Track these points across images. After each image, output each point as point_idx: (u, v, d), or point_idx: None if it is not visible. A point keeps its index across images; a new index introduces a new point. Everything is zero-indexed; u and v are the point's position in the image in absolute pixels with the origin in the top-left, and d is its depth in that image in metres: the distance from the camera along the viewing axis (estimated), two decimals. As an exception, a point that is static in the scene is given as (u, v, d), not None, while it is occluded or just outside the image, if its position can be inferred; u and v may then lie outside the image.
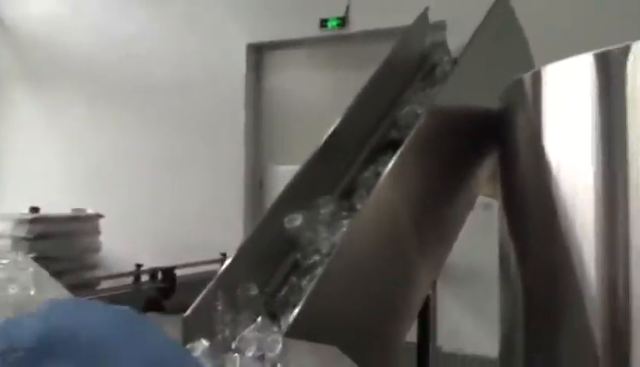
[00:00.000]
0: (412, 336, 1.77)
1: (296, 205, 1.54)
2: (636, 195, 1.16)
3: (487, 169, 1.70)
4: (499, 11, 1.78)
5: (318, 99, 5.46)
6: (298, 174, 1.61)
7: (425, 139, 1.50)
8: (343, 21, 5.24)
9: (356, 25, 5.20)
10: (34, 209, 4.95)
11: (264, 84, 5.74)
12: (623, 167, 1.17)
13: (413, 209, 1.48)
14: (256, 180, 5.65)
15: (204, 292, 1.36)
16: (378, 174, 1.50)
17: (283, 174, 5.51)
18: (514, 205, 1.50)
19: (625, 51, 1.14)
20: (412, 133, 1.48)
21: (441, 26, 2.06)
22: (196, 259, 3.87)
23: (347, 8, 5.18)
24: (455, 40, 2.10)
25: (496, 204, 1.65)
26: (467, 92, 1.65)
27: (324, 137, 1.71)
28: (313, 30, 5.32)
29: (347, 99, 5.73)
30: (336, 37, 5.27)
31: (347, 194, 1.64)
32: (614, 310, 1.18)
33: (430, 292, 1.67)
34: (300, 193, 1.56)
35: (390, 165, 1.41)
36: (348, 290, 1.28)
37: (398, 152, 1.44)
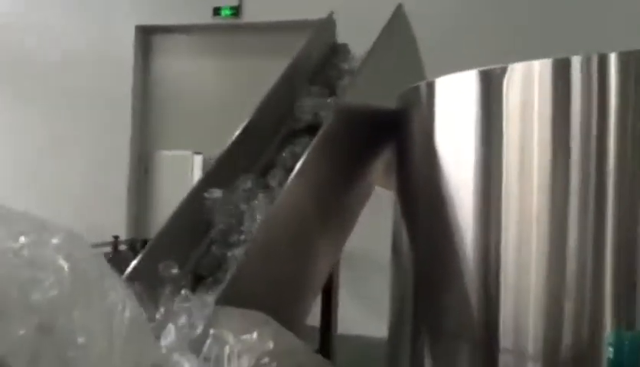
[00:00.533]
0: (314, 320, 1.96)
1: (217, 185, 1.67)
2: (506, 190, 1.42)
3: (382, 162, 1.92)
4: (397, 20, 2.01)
5: (207, 87, 5.51)
6: (219, 158, 1.73)
7: (331, 136, 1.68)
8: (236, 11, 5.32)
9: (249, 16, 5.30)
10: None
11: (153, 68, 5.69)
12: (497, 167, 1.42)
13: (318, 199, 1.67)
14: (141, 165, 5.60)
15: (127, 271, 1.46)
16: (294, 154, 1.66)
17: (169, 160, 5.51)
18: (407, 194, 1.73)
19: (503, 71, 1.39)
20: (320, 131, 1.66)
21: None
22: (83, 242, 3.82)
23: (241, -1, 5.27)
24: (355, 39, 2.30)
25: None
26: (368, 93, 1.86)
27: (243, 123, 1.85)
28: (206, 18, 5.35)
29: (237, 88, 5.88)
30: (229, 26, 5.34)
31: (264, 173, 1.79)
32: (486, 284, 1.43)
33: (334, 275, 1.87)
34: (221, 173, 1.69)
35: (300, 161, 1.59)
36: (264, 268, 1.44)
37: (308, 149, 1.61)
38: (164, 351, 0.80)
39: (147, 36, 5.63)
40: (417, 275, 1.63)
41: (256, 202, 1.63)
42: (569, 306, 1.30)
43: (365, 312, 3.98)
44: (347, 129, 1.75)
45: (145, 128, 5.62)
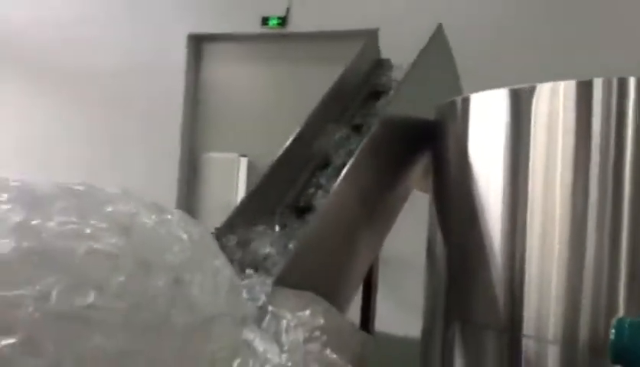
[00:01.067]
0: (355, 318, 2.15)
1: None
2: (532, 199, 1.60)
3: (420, 168, 2.11)
4: (437, 40, 2.20)
5: (254, 93, 5.77)
6: (278, 159, 1.96)
7: (375, 143, 1.88)
8: (283, 21, 5.56)
9: (295, 26, 5.54)
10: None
11: (203, 74, 5.98)
12: (525, 179, 1.60)
13: (364, 198, 1.87)
14: (190, 167, 5.89)
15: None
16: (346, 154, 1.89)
17: (216, 162, 5.78)
18: (442, 198, 1.92)
19: (532, 90, 1.58)
20: (365, 138, 1.87)
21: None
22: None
23: (288, 9, 5.51)
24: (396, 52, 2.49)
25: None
26: (409, 105, 2.06)
27: (296, 131, 2.06)
28: (254, 27, 5.60)
29: (282, 95, 6.15)
30: (276, 35, 5.59)
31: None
32: (512, 279, 1.61)
33: (374, 269, 2.07)
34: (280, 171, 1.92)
35: (347, 164, 1.79)
36: (315, 257, 1.65)
37: (355, 153, 1.82)
38: (251, 307, 1.01)
39: (198, 44, 5.92)
40: (449, 273, 1.82)
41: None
42: (585, 298, 1.48)
43: (401, 312, 4.15)
44: (389, 136, 1.95)
45: (195, 132, 5.91)
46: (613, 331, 1.20)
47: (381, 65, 2.45)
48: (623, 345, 1.19)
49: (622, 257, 1.51)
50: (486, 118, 1.72)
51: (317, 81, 5.96)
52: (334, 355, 1.33)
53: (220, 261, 0.86)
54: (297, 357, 1.29)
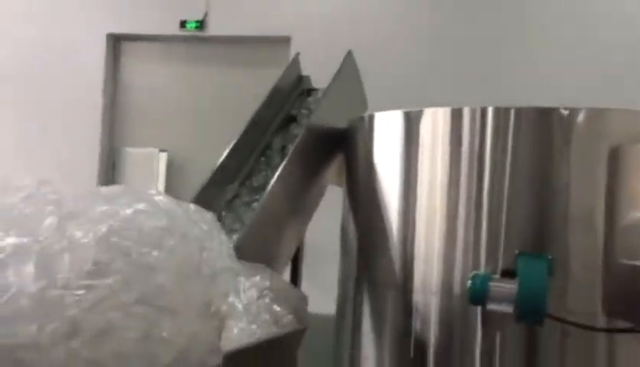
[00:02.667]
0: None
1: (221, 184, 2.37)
2: (419, 195, 2.16)
3: (336, 167, 2.64)
4: (347, 64, 2.74)
5: (173, 91, 6.13)
6: (215, 170, 2.43)
7: (301, 146, 2.40)
8: (201, 24, 5.96)
9: (212, 30, 5.95)
10: None
11: (122, 72, 6.26)
12: (415, 178, 2.16)
13: (290, 193, 2.38)
14: (109, 162, 6.15)
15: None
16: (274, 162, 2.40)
17: (136, 157, 6.09)
18: (353, 191, 2.47)
19: (419, 113, 2.14)
20: (295, 143, 2.38)
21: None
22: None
23: (206, 13, 5.91)
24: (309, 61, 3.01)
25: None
26: (327, 117, 2.58)
27: (231, 144, 2.53)
28: (173, 29, 5.97)
29: (199, 93, 6.72)
30: (194, 37, 5.98)
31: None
32: (405, 249, 2.17)
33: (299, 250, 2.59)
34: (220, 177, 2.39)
35: (280, 167, 2.30)
36: (259, 239, 2.15)
37: (286, 158, 2.32)
38: (241, 266, 1.47)
39: (117, 43, 6.19)
40: (358, 247, 2.38)
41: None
42: (457, 261, 2.04)
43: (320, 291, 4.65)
44: (312, 141, 2.46)
45: (114, 127, 6.19)
46: (469, 282, 1.79)
47: (302, 81, 2.96)
48: (475, 291, 1.77)
49: (482, 236, 2.09)
50: (386, 132, 2.27)
51: (232, 82, 6.53)
52: (279, 308, 1.83)
53: (223, 235, 1.34)
54: (253, 309, 1.79)
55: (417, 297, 2.15)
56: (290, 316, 1.82)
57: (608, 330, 1.82)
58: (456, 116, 2.13)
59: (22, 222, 1.16)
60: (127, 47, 6.24)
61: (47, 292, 1.08)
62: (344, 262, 2.51)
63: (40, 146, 6.07)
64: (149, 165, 5.95)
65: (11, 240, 1.13)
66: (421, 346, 2.13)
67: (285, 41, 5.53)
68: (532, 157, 2.05)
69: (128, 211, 1.17)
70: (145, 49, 6.20)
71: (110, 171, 6.11)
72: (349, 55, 2.78)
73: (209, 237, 1.26)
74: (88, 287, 1.07)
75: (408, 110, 2.20)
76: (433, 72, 5.07)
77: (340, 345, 2.48)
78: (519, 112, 2.08)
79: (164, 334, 1.14)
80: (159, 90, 6.13)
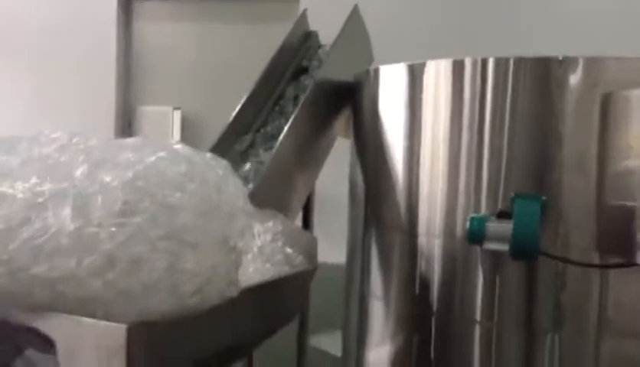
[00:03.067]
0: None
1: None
2: (424, 142, 2.27)
3: (343, 119, 2.75)
4: (353, 19, 2.82)
5: (183, 51, 6.21)
6: (230, 122, 2.54)
7: (310, 99, 2.51)
8: (211, -18, 5.98)
9: (222, -14, 5.98)
10: None
11: (134, 32, 6.33)
12: (419, 127, 2.28)
13: (301, 144, 2.50)
14: (125, 121, 6.29)
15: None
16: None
17: (149, 115, 6.21)
18: (360, 141, 2.58)
19: (422, 66, 2.24)
20: (303, 97, 2.49)
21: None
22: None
23: (215, -30, 5.94)
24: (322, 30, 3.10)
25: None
26: (335, 71, 2.68)
27: (244, 98, 2.64)
28: (184, -15, 6.00)
29: (212, 51, 6.80)
30: (204, -5, 6.02)
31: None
32: (410, 195, 2.30)
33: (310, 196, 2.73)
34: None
35: (290, 118, 2.41)
36: (272, 187, 2.28)
37: (295, 110, 2.44)
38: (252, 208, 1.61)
39: (128, 2, 6.25)
40: (366, 194, 2.51)
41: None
42: (459, 205, 2.17)
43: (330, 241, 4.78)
44: (321, 95, 2.57)
45: (129, 86, 6.30)
46: (468, 223, 1.91)
47: (310, 36, 3.04)
48: (473, 232, 1.90)
49: (482, 180, 2.21)
50: (391, 85, 2.37)
51: (243, 39, 6.58)
52: (290, 250, 1.97)
53: (237, 180, 1.47)
54: (267, 250, 1.93)
55: (422, 239, 2.28)
56: (301, 257, 1.96)
57: (600, 266, 1.94)
58: (458, 67, 2.22)
59: (58, 170, 1.29)
60: (138, 7, 6.30)
61: (83, 230, 1.22)
62: (352, 210, 2.64)
63: (56, 107, 6.20)
64: (164, 122, 6.08)
65: (48, 186, 1.27)
66: (425, 285, 2.28)
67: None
68: (530, 104, 2.14)
69: (152, 158, 1.29)
70: (156, 8, 6.26)
71: (127, 129, 6.25)
72: (355, 10, 2.86)
73: (224, 181, 1.38)
74: (119, 225, 1.21)
75: (411, 63, 2.29)
76: (441, 25, 5.11)
77: (351, 286, 2.64)
78: (518, 61, 2.16)
79: (187, 266, 1.28)
80: (171, 49, 6.21)
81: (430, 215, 2.25)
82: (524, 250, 1.84)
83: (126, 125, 6.28)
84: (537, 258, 1.87)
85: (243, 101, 2.64)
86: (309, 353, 2.94)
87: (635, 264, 1.83)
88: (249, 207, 1.48)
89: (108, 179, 1.26)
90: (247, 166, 2.38)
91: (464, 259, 2.20)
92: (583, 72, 2.06)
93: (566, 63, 2.05)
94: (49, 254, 1.23)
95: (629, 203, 1.83)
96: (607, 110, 1.97)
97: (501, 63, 2.19)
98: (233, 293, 1.43)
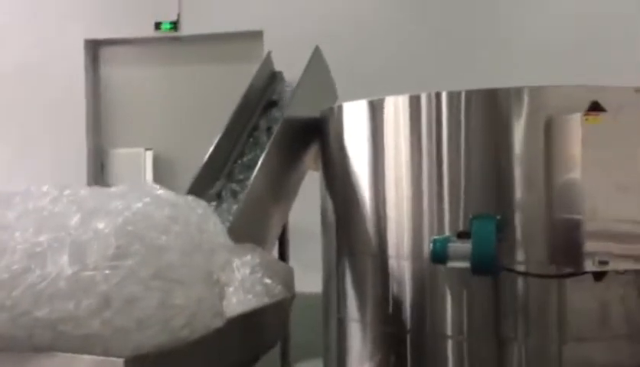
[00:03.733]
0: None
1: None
2: (387, 172, 2.44)
3: (312, 153, 2.91)
4: (316, 58, 3.00)
5: (153, 92, 6.33)
6: (204, 164, 2.68)
7: (280, 137, 2.66)
8: (175, 25, 6.15)
9: (186, 29, 6.15)
10: None
11: (102, 77, 6.45)
12: (381, 160, 2.44)
13: (273, 179, 2.65)
14: (97, 163, 6.36)
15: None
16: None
17: (121, 157, 6.30)
18: (329, 173, 2.74)
19: (381, 102, 2.41)
20: (274, 134, 2.64)
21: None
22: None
23: (179, 14, 6.11)
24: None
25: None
26: (301, 108, 2.84)
27: (216, 139, 2.78)
28: (148, 31, 6.16)
29: (178, 92, 6.92)
30: (168, 38, 6.18)
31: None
32: (378, 221, 2.45)
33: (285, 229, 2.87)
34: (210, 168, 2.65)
35: (261, 157, 2.56)
36: (246, 224, 2.41)
37: (267, 146, 2.59)
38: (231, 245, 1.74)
39: (95, 47, 6.37)
40: (337, 222, 2.66)
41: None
42: (424, 228, 2.33)
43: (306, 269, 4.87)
44: (289, 131, 2.73)
45: (99, 129, 6.38)
46: (431, 245, 2.08)
47: (275, 77, 3.21)
48: (436, 253, 2.07)
49: (444, 204, 2.37)
50: (354, 120, 2.55)
51: (208, 79, 6.72)
52: (269, 280, 2.10)
53: (216, 218, 1.61)
54: (247, 283, 2.06)
55: (391, 262, 2.43)
56: (279, 287, 2.09)
57: (553, 276, 2.11)
58: (414, 101, 2.40)
59: (53, 220, 1.42)
60: (105, 52, 6.42)
61: (80, 274, 1.34)
62: (325, 238, 2.78)
63: (28, 152, 6.25)
64: (136, 163, 6.17)
65: (45, 236, 1.39)
66: (398, 305, 2.42)
67: (257, 35, 5.75)
68: (482, 132, 2.34)
69: (139, 204, 1.43)
70: (123, 52, 6.39)
71: (99, 171, 6.32)
72: (316, 50, 3.04)
73: (205, 221, 1.52)
74: (113, 267, 1.34)
75: (371, 99, 2.47)
76: (406, 61, 5.35)
77: (328, 312, 2.77)
78: (469, 93, 2.36)
79: (176, 301, 1.41)
80: (140, 91, 6.33)
81: (398, 238, 2.41)
82: (484, 266, 2.00)
83: (99, 167, 6.35)
84: (498, 273, 2.03)
85: (218, 137, 2.78)
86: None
87: (584, 273, 2.00)
88: (229, 243, 1.62)
89: (100, 226, 1.38)
90: (222, 207, 2.52)
91: (431, 278, 2.36)
92: (528, 100, 2.25)
93: (513, 93, 2.25)
94: (49, 298, 1.35)
95: (575, 216, 2.01)
96: (549, 133, 2.16)
97: (453, 96, 2.38)
98: (218, 323, 1.55)
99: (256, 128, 2.92)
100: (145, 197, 1.48)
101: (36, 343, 1.40)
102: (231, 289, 1.91)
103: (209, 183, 2.62)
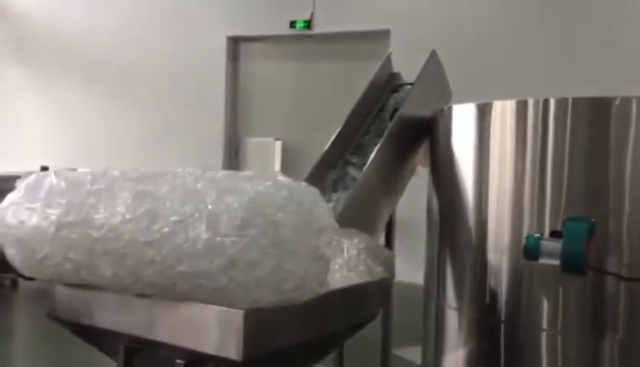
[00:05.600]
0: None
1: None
2: (491, 174, 2.60)
3: (422, 149, 3.12)
4: (432, 61, 3.20)
5: (284, 86, 6.80)
6: (324, 152, 2.98)
7: (393, 133, 2.90)
8: (309, 24, 6.56)
9: (319, 27, 6.54)
10: (44, 168, 6.02)
11: (240, 71, 7.01)
12: (486, 162, 2.60)
13: (382, 172, 2.89)
14: (232, 150, 6.94)
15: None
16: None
17: (254, 145, 6.83)
18: (437, 170, 2.94)
19: (489, 105, 2.58)
20: (386, 131, 2.88)
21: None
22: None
23: (312, 13, 6.51)
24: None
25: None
26: (415, 107, 3.06)
27: (337, 131, 3.07)
28: (284, 29, 6.62)
29: (309, 87, 7.49)
30: (302, 36, 6.60)
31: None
32: (480, 217, 2.63)
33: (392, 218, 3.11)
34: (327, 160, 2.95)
35: (374, 151, 2.81)
36: (357, 211, 2.68)
37: (379, 143, 2.83)
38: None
39: (235, 44, 6.94)
40: (441, 217, 2.86)
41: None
42: (524, 226, 2.48)
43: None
44: (401, 129, 2.96)
45: (235, 120, 6.97)
46: (524, 241, 2.23)
47: (394, 77, 3.45)
48: (528, 248, 2.21)
49: (546, 204, 2.50)
50: (462, 122, 2.73)
51: (337, 75, 7.12)
52: (371, 261, 2.36)
53: (325, 203, 1.90)
54: (352, 262, 2.33)
55: (490, 255, 2.60)
56: (380, 268, 2.34)
57: (635, 280, 2.19)
58: (521, 107, 2.54)
59: (195, 195, 1.77)
60: (245, 48, 6.98)
61: (213, 239, 1.68)
62: (429, 231, 2.99)
63: (173, 138, 6.96)
64: (267, 151, 6.67)
65: (189, 207, 1.74)
66: (494, 296, 2.59)
67: (385, 35, 6.01)
68: (586, 138, 2.43)
69: (261, 187, 1.74)
70: (260, 48, 6.91)
71: (234, 157, 6.90)
72: (433, 53, 3.23)
73: (315, 204, 1.81)
74: (239, 236, 1.66)
75: (480, 103, 2.64)
76: (524, 65, 5.37)
77: (429, 300, 2.98)
78: (575, 101, 2.46)
79: (288, 267, 1.71)
80: (273, 85, 6.83)
81: (497, 234, 2.57)
82: (572, 265, 2.12)
83: (233, 153, 6.92)
84: (585, 272, 2.15)
85: (336, 133, 3.08)
86: (392, 362, 3.30)
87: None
88: (335, 224, 1.90)
89: (231, 201, 1.71)
90: (335, 195, 2.81)
91: (528, 273, 2.50)
92: (636, 110, 2.32)
93: (621, 103, 2.34)
94: (189, 256, 1.70)
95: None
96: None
97: (561, 103, 2.49)
98: (322, 291, 1.84)
99: (367, 131, 3.18)
100: (267, 181, 1.79)
101: (178, 292, 1.76)
102: (336, 266, 2.19)
103: (326, 170, 2.92)
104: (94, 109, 7.40)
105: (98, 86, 7.38)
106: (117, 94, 7.28)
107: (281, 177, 1.86)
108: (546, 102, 2.51)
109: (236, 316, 1.67)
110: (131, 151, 7.06)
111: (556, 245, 2.17)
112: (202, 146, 6.85)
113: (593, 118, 2.45)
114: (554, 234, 2.23)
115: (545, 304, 2.48)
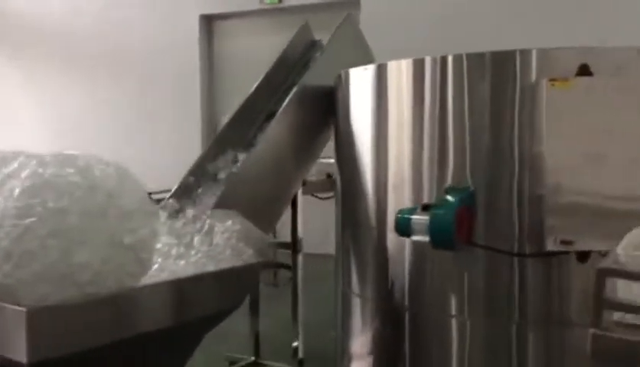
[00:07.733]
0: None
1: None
2: (390, 137, 2.35)
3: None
4: (346, 26, 2.95)
5: (259, 61, 6.56)
6: (227, 122, 2.77)
7: (292, 105, 2.66)
8: (279, -3, 6.32)
9: (288, 1, 6.30)
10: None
11: (215, 48, 6.83)
12: (384, 129, 2.36)
13: (278, 148, 2.65)
14: (211, 128, 6.78)
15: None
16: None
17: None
18: (338, 143, 2.70)
19: (385, 66, 2.32)
20: (282, 105, 2.65)
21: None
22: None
23: (282, -14, 6.26)
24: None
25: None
26: (323, 76, 2.78)
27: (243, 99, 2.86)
28: (254, 4, 6.40)
29: None
30: (273, 9, 6.37)
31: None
32: (378, 196, 2.39)
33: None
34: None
35: (270, 123, 2.60)
36: (244, 187, 2.48)
37: (275, 116, 2.61)
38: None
39: (209, 22, 6.75)
40: (343, 193, 2.63)
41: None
42: (425, 196, 2.22)
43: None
44: (302, 102, 2.69)
45: (213, 97, 6.81)
46: (396, 216, 2.00)
47: (315, 44, 3.21)
48: (399, 224, 1.99)
49: (447, 177, 2.24)
50: (360, 86, 2.47)
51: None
52: (242, 244, 2.17)
53: (135, 185, 1.71)
54: (220, 248, 2.15)
55: (390, 235, 2.35)
56: (251, 252, 2.15)
57: (518, 255, 1.94)
58: (418, 66, 2.28)
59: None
60: (218, 25, 6.79)
61: (-12, 230, 1.52)
62: (336, 209, 2.77)
63: (154, 119, 6.85)
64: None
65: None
66: (396, 281, 2.36)
67: (355, 5, 5.74)
68: (488, 97, 2.15)
69: (51, 170, 1.57)
70: (233, 25, 6.71)
71: (213, 135, 6.76)
72: (347, 17, 2.98)
73: (119, 188, 1.63)
74: (14, 225, 1.50)
75: (378, 63, 2.40)
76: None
77: (337, 285, 2.76)
78: (471, 56, 2.19)
79: (78, 259, 1.54)
80: (248, 61, 6.62)
81: (397, 209, 2.31)
82: (440, 239, 1.90)
83: (212, 131, 6.78)
84: (455, 247, 1.91)
85: (235, 110, 2.87)
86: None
87: (552, 254, 1.82)
88: (149, 208, 1.71)
89: (12, 186, 1.55)
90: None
91: (431, 254, 2.23)
92: (519, 65, 2.05)
93: (499, 57, 2.07)
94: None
95: (539, 191, 1.82)
96: (524, 100, 1.96)
97: (458, 59, 2.23)
98: (132, 282, 1.66)
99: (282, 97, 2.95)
100: (67, 166, 1.62)
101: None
102: (173, 251, 2.03)
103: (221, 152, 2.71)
104: (75, 92, 7.35)
105: (78, 68, 7.32)
106: (97, 76, 7.22)
107: (85, 160, 1.69)
108: (443, 59, 2.25)
109: (19, 314, 1.51)
110: (114, 132, 7.00)
111: (425, 220, 1.94)
112: (183, 126, 6.74)
113: (494, 73, 2.18)
114: (425, 207, 2.00)
115: (448, 288, 2.25)
